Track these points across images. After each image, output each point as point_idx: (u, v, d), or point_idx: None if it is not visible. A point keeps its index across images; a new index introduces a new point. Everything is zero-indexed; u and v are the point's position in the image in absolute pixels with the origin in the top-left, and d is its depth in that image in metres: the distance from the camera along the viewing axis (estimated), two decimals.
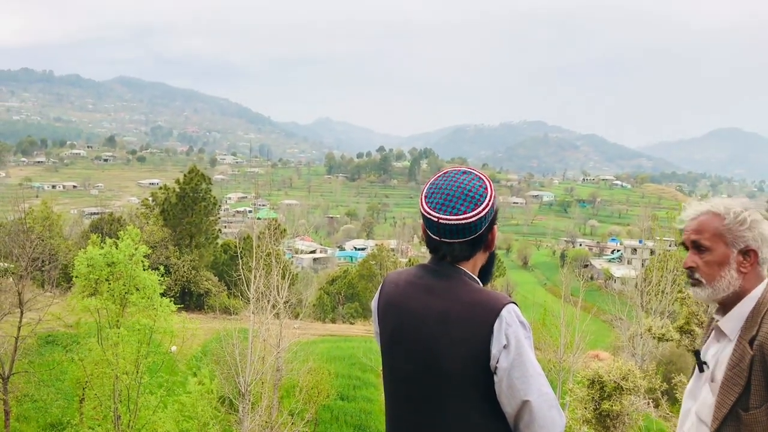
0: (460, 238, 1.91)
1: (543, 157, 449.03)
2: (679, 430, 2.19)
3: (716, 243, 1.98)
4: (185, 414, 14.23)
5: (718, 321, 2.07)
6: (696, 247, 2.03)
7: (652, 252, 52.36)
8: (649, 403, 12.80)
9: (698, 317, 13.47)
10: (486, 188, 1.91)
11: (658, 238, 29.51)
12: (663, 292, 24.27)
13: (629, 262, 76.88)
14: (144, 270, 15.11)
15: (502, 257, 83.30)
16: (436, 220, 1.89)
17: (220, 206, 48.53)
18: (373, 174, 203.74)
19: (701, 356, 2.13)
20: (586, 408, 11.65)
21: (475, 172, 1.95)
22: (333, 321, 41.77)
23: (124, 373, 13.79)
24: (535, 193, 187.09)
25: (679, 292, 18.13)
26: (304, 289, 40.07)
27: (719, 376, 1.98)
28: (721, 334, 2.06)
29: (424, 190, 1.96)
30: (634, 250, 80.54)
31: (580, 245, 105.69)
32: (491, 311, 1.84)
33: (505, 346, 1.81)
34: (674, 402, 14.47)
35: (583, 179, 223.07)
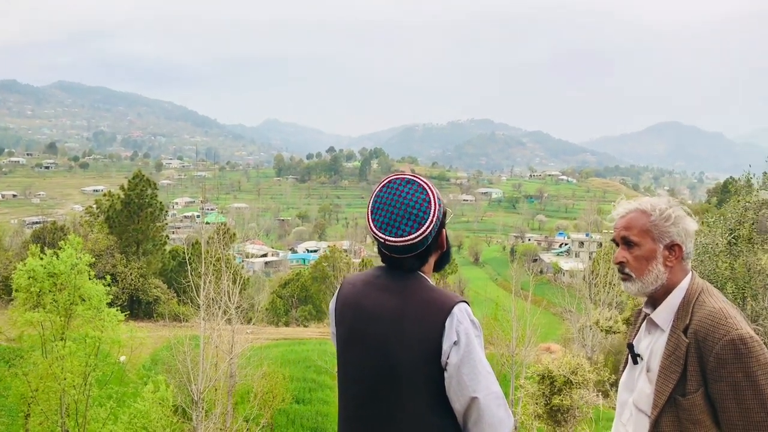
0: (408, 254, 1.96)
1: (491, 155, 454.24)
2: (617, 420, 2.27)
3: (644, 239, 2.07)
4: (138, 424, 13.90)
5: (649, 314, 2.16)
6: (625, 243, 2.12)
7: (599, 245, 53.60)
8: (598, 395, 13.08)
9: None
10: (430, 201, 1.93)
11: (605, 231, 30.18)
12: (610, 283, 24.89)
13: (577, 255, 78.62)
14: (90, 279, 14.71)
15: (455, 254, 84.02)
16: (383, 240, 1.95)
17: (167, 212, 47.69)
18: (323, 175, 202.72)
19: (634, 349, 2.22)
20: (537, 403, 11.85)
21: (419, 181, 1.97)
22: (286, 324, 41.45)
23: (71, 387, 13.40)
24: (484, 190, 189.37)
25: None
26: (256, 293, 39.70)
27: (655, 366, 2.06)
28: (653, 325, 2.14)
29: (370, 204, 2.00)
30: (582, 243, 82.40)
31: (529, 240, 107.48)
32: (443, 309, 1.88)
33: (455, 343, 1.84)
34: None
35: (530, 175, 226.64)
